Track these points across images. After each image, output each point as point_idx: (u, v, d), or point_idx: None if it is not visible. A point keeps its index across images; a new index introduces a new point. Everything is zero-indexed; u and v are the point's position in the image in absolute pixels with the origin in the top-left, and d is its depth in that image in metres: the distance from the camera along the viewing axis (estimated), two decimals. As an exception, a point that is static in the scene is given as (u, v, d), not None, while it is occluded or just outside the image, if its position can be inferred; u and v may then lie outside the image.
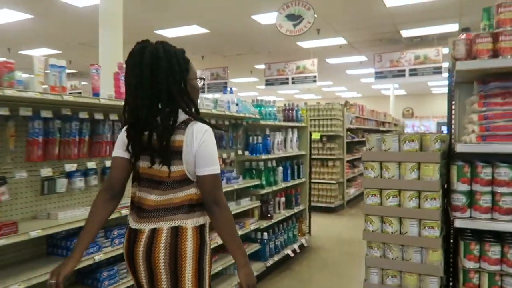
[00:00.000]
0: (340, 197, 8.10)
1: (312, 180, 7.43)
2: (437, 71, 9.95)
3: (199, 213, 1.70)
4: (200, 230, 1.69)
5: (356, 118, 9.30)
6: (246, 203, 4.23)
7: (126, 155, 1.72)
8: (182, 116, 1.68)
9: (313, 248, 5.60)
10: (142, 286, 1.71)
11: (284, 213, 5.03)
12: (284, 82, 11.40)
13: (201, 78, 1.82)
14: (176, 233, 1.64)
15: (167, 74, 1.61)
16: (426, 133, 2.19)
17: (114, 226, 2.79)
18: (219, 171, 1.68)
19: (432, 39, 10.09)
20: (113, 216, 1.96)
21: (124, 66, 1.70)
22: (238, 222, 4.12)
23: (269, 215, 4.65)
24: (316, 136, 7.83)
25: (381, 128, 12.27)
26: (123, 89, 2.14)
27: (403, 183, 2.29)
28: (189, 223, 1.66)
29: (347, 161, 8.50)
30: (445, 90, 17.81)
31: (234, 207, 4.00)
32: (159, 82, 1.61)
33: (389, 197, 2.35)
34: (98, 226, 1.74)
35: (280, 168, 4.96)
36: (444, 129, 21.90)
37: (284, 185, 4.98)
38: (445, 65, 12.67)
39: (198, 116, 1.70)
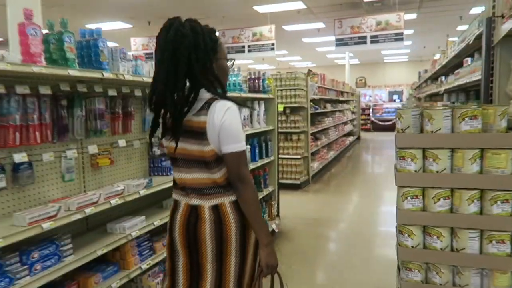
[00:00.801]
0: (305, 172, 7.59)
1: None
2: (399, 37, 9.54)
3: (233, 190, 1.71)
4: (237, 205, 1.70)
5: (318, 88, 8.73)
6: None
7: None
8: (205, 95, 1.66)
9: (284, 233, 5.03)
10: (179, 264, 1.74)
11: (253, 198, 4.38)
12: (240, 50, 10.54)
13: (230, 59, 1.82)
14: (218, 211, 1.67)
15: (190, 51, 1.59)
16: (486, 106, 1.57)
17: (34, 246, 1.97)
18: (243, 148, 1.66)
19: (393, 3, 9.62)
20: (31, 232, 1.82)
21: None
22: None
23: (237, 202, 3.98)
24: (279, 108, 7.16)
25: (340, 98, 11.85)
26: (35, 49, 1.91)
27: (459, 179, 1.60)
28: (227, 199, 1.69)
29: (311, 134, 7.96)
30: (398, 58, 17.49)
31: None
32: (180, 59, 1.58)
33: (438, 199, 1.68)
34: None
35: (248, 148, 4.26)
36: (396, 97, 22.17)
37: (252, 166, 4.30)
38: (407, 32, 12.35)
39: (222, 95, 1.68)
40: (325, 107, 9.60)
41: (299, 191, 7.24)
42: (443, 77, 5.39)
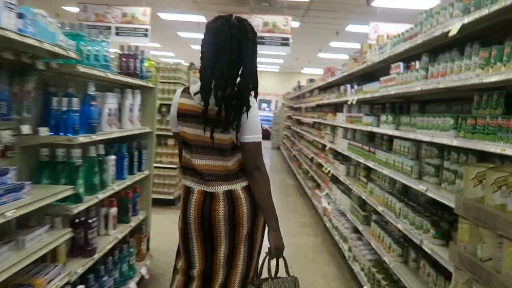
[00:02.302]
0: (180, 185, 6.19)
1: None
2: (285, 42, 8.90)
3: (245, 176, 1.84)
4: (249, 190, 1.82)
5: (199, 86, 7.44)
6: (36, 241, 1.90)
7: (176, 129, 1.87)
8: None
9: (157, 278, 3.58)
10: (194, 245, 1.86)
11: (116, 235, 2.84)
12: (105, 31, 8.53)
13: None
14: (232, 196, 1.78)
15: (248, 51, 1.74)
16: None
17: None
18: (261, 139, 1.81)
19: (281, 6, 8.97)
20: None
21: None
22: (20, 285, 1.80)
23: (89, 248, 2.41)
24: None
25: (218, 101, 10.77)
26: None
27: None
28: (239, 185, 1.81)
29: (189, 139, 6.63)
30: (270, 68, 17.01)
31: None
32: (241, 56, 1.74)
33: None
34: None
35: (112, 158, 2.72)
36: (265, 106, 22.25)
37: (117, 186, 2.77)
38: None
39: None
40: (204, 109, 8.37)
41: (173, 209, 5.80)
42: (349, 86, 4.75)
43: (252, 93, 1.80)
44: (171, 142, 5.89)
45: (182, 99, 1.83)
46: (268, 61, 17.72)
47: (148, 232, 3.63)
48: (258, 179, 1.80)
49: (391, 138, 3.55)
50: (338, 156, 5.40)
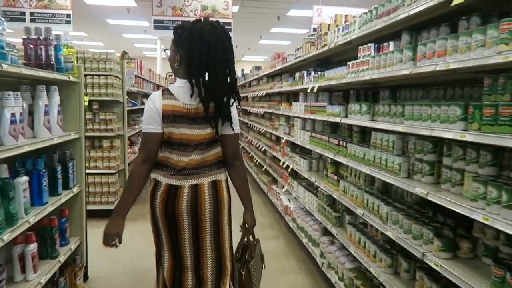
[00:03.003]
0: (121, 191, 5.41)
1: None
2: (226, 28, 8.32)
3: (224, 168, 1.99)
4: (227, 182, 2.00)
5: (135, 77, 6.61)
6: None
7: (160, 130, 1.84)
8: None
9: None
10: (179, 237, 1.90)
11: (39, 279, 2.13)
12: (18, 17, 7.29)
13: None
14: (215, 186, 1.91)
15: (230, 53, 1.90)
16: None
17: None
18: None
19: (220, -12, 8.28)
20: None
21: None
22: None
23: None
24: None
25: (157, 93, 9.90)
26: None
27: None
28: (222, 176, 1.97)
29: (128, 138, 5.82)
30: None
31: None
32: (229, 57, 1.89)
33: None
34: (139, 193, 1.91)
35: (23, 180, 2.00)
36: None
37: (34, 217, 2.06)
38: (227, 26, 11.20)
39: None
40: (143, 103, 7.51)
41: (114, 220, 5.03)
42: (305, 73, 4.31)
43: None
44: (107, 144, 5.08)
45: (166, 101, 1.85)
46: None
47: (83, 261, 2.93)
48: (239, 167, 1.99)
49: (363, 130, 3.15)
50: (296, 149, 4.97)
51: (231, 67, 1.88)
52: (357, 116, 2.89)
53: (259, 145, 6.80)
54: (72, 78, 2.60)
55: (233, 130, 1.92)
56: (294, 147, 5.03)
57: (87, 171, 4.95)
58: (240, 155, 2.03)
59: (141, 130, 7.17)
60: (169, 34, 8.26)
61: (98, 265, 3.62)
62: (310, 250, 3.76)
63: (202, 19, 1.89)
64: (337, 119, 3.26)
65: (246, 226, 2.04)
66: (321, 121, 4.29)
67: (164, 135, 1.86)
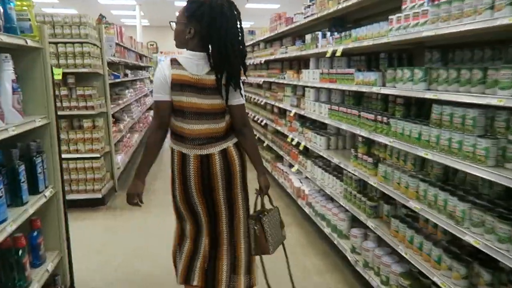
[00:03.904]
0: (108, 176, 4.72)
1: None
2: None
3: (233, 135, 2.06)
4: (238, 147, 2.06)
5: (116, 45, 5.75)
6: None
7: (169, 98, 1.91)
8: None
9: None
10: (196, 203, 2.01)
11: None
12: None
13: None
14: (225, 155, 1.99)
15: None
16: None
17: None
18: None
19: None
20: None
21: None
22: None
23: None
24: (54, 74, 3.98)
25: (141, 64, 9.01)
26: None
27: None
28: (231, 143, 2.03)
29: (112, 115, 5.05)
30: None
31: None
32: (240, 29, 1.96)
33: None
34: (156, 156, 2.03)
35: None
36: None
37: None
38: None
39: None
40: (126, 75, 6.69)
41: (103, 210, 4.36)
42: (320, 34, 3.61)
43: None
44: (88, 123, 4.33)
45: (174, 70, 1.90)
46: (190, 16, 15.79)
47: (66, 281, 2.28)
48: (247, 134, 2.07)
49: (407, 102, 2.52)
50: (306, 122, 4.33)
51: (242, 40, 1.97)
52: (408, 85, 2.25)
53: (258, 118, 6.13)
54: (31, 43, 1.86)
55: (240, 98, 1.99)
56: (303, 121, 4.39)
57: (67, 155, 4.24)
58: (248, 122, 2.09)
59: (126, 105, 6.40)
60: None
61: (87, 272, 3.00)
62: (335, 242, 3.20)
63: None
64: (373, 89, 2.61)
65: (260, 187, 2.14)
66: (339, 92, 3.64)
67: (174, 104, 1.93)
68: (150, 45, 18.68)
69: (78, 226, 3.81)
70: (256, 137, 6.32)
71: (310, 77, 3.85)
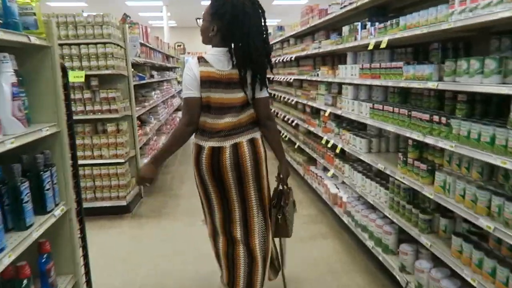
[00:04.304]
0: (133, 182, 4.52)
1: (81, 162, 3.59)
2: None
3: (258, 127, 2.12)
4: (262, 139, 2.13)
5: (141, 45, 5.57)
6: None
7: (199, 95, 1.97)
8: None
9: None
10: (227, 191, 2.08)
11: None
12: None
13: None
14: (253, 143, 2.06)
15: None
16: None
17: None
18: None
19: None
20: None
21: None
22: None
23: None
24: (76, 77, 3.81)
25: (168, 65, 8.86)
26: None
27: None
28: (258, 134, 2.10)
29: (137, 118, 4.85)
30: None
31: None
32: (265, 27, 2.03)
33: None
34: (177, 149, 2.12)
35: None
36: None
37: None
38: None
39: None
40: (152, 76, 6.51)
41: (127, 219, 4.16)
42: (359, 25, 3.23)
43: None
44: (112, 127, 4.15)
45: (202, 67, 1.96)
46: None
47: (82, 306, 2.04)
48: (271, 126, 2.14)
49: (471, 99, 2.13)
50: (343, 123, 3.97)
51: (267, 38, 2.02)
52: (475, 78, 1.87)
53: (289, 118, 5.79)
54: (35, 40, 1.61)
55: (265, 91, 2.05)
56: (339, 121, 4.02)
57: (91, 161, 4.07)
58: (272, 115, 2.18)
59: (153, 107, 6.20)
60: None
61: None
62: (380, 258, 2.84)
63: None
64: (428, 84, 2.23)
65: (281, 176, 2.21)
66: (382, 89, 3.26)
67: (203, 100, 1.99)
68: (178, 45, 18.64)
69: (100, 239, 3.61)
70: (287, 138, 5.99)
71: (348, 73, 3.48)
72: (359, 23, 3.26)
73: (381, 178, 3.12)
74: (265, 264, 2.16)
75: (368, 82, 3.05)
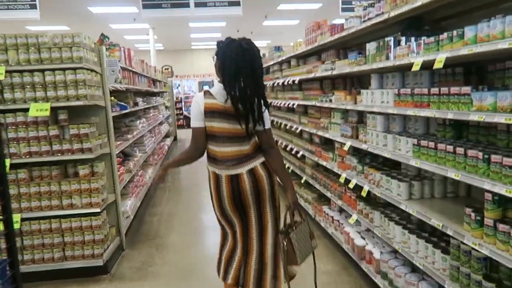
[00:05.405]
0: (112, 234, 3.70)
1: (40, 215, 2.78)
2: (234, 0, 6.57)
3: (260, 154, 2.23)
4: (264, 165, 2.21)
5: (123, 70, 4.84)
6: None
7: (203, 124, 2.18)
8: None
9: None
10: (232, 219, 2.26)
11: None
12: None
13: None
14: (253, 174, 2.16)
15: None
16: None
17: None
18: None
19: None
20: None
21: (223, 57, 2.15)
22: None
23: None
24: (40, 110, 3.05)
25: (154, 90, 8.14)
26: None
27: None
28: (258, 162, 2.20)
29: (117, 153, 4.06)
30: (207, 45, 14.05)
31: None
32: (261, 68, 2.22)
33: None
34: (183, 165, 2.42)
35: None
36: (206, 88, 19.67)
37: None
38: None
39: None
40: (136, 104, 5.76)
41: (104, 283, 3.30)
42: (392, 40, 2.58)
43: None
44: (84, 170, 3.35)
45: (206, 99, 2.18)
46: (204, 37, 15.09)
47: None
48: (274, 155, 2.23)
49: None
50: (365, 158, 3.26)
51: (259, 79, 2.18)
52: None
53: (292, 148, 5.08)
54: None
55: (264, 127, 2.19)
56: (361, 157, 3.31)
57: (60, 212, 3.26)
58: (274, 144, 2.26)
59: (138, 138, 5.43)
60: (162, 14, 6.45)
61: None
62: None
63: (237, 38, 2.16)
64: (524, 119, 1.54)
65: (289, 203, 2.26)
66: (422, 119, 2.58)
67: (207, 129, 2.18)
68: (165, 69, 18.00)
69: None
70: (290, 170, 5.26)
71: (376, 99, 2.80)
72: (391, 38, 2.60)
73: (428, 233, 2.40)
74: None
75: (410, 112, 2.36)
